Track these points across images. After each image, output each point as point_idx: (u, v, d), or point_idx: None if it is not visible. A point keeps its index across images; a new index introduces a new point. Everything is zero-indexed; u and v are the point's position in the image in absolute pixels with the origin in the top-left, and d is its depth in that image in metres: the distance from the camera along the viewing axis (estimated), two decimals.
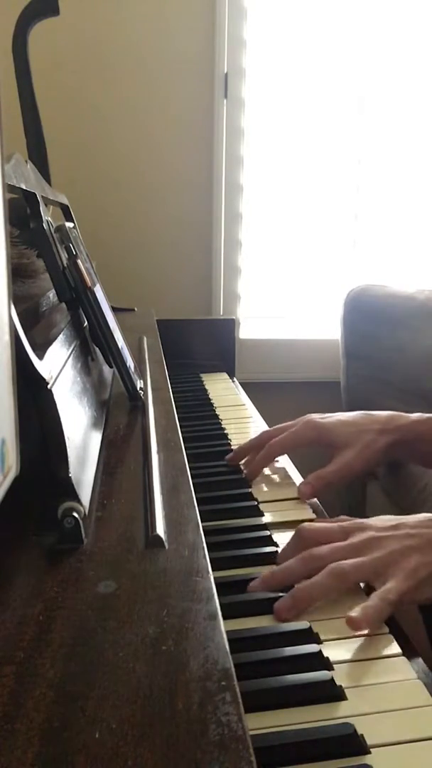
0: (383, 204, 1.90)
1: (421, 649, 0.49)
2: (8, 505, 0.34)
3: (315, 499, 0.75)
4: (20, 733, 0.28)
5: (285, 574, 0.55)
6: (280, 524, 0.68)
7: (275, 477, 0.82)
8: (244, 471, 0.81)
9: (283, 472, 0.83)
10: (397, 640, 0.49)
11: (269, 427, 1.01)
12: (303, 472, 0.82)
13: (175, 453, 0.61)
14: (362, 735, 0.39)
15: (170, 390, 0.84)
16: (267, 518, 0.69)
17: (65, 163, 1.54)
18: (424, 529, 0.56)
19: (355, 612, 0.49)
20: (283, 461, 0.85)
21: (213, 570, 0.41)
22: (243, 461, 0.83)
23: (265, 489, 0.78)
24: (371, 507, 1.79)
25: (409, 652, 0.49)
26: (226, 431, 0.97)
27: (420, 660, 0.47)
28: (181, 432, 0.67)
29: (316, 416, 0.82)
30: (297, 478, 0.81)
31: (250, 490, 0.76)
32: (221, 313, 1.87)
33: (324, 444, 0.80)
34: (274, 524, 0.67)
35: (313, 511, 0.72)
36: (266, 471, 0.82)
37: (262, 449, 0.81)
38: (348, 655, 0.47)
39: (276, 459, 0.83)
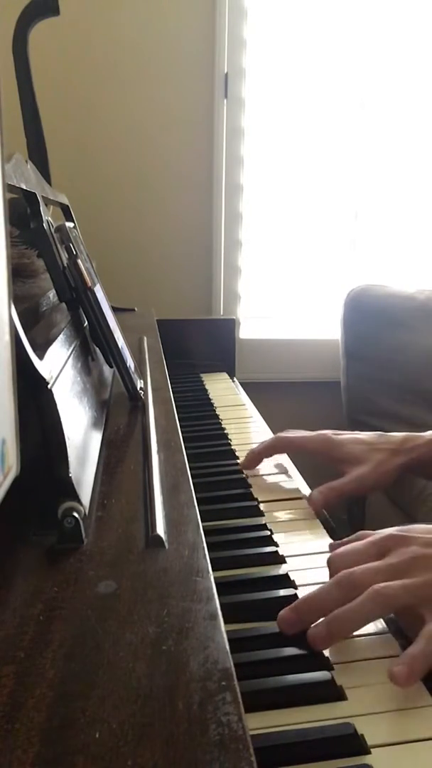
0: (383, 204, 1.90)
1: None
2: (8, 505, 0.34)
3: None
4: (20, 733, 0.28)
5: (319, 600, 0.48)
6: (280, 523, 0.68)
7: (275, 477, 0.82)
8: (242, 461, 0.82)
9: (283, 473, 0.83)
10: (384, 619, 0.49)
11: (269, 427, 1.01)
12: (305, 476, 0.82)
13: (175, 453, 0.61)
14: (362, 735, 0.39)
15: (170, 390, 0.84)
16: (267, 518, 0.69)
17: (65, 163, 1.54)
18: None
19: (399, 664, 0.43)
20: (285, 462, 0.85)
21: (213, 570, 0.41)
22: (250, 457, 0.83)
23: (265, 489, 0.78)
24: (371, 507, 1.79)
25: (394, 629, 0.49)
26: (226, 431, 0.97)
27: None
28: (181, 432, 0.67)
29: (331, 433, 0.81)
30: (297, 478, 0.81)
31: (250, 490, 0.76)
32: (221, 313, 1.87)
33: (334, 458, 0.78)
34: (274, 524, 0.67)
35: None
36: (267, 471, 0.82)
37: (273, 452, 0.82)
38: (348, 655, 0.47)
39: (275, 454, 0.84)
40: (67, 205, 1.03)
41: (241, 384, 1.35)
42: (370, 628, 0.50)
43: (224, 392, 1.23)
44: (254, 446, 0.84)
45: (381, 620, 0.51)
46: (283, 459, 0.86)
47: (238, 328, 1.79)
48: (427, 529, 0.52)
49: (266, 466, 0.83)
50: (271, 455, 0.83)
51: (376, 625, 0.50)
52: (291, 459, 0.86)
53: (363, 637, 0.49)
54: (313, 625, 0.47)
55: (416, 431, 0.80)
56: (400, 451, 0.76)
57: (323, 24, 1.78)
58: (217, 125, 1.78)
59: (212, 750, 0.27)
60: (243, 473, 0.80)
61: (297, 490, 0.77)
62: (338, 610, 0.46)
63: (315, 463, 0.81)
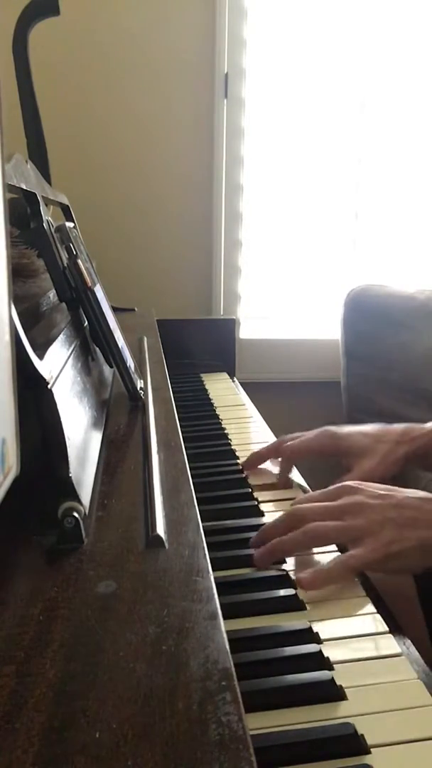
0: (383, 204, 1.90)
1: (421, 648, 0.49)
2: (8, 505, 0.34)
3: None
4: (20, 733, 0.28)
5: (270, 529, 0.60)
6: None
7: (275, 476, 0.82)
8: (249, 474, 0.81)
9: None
10: (384, 619, 0.51)
11: (269, 427, 1.01)
12: (304, 475, 0.82)
13: (175, 453, 0.61)
14: (362, 735, 0.39)
15: (170, 390, 0.84)
16: (267, 518, 0.69)
17: (65, 163, 1.54)
18: (410, 508, 0.57)
19: (305, 573, 0.55)
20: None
21: (213, 570, 0.41)
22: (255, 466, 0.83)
23: (266, 489, 0.78)
24: None
25: (394, 628, 0.51)
26: (226, 431, 0.97)
27: (420, 660, 0.47)
28: (181, 432, 0.67)
29: (333, 427, 0.81)
30: (298, 478, 0.81)
31: (250, 490, 0.76)
32: (221, 313, 1.87)
33: (340, 453, 0.79)
34: None
35: None
36: (267, 472, 0.82)
37: (276, 455, 0.81)
38: (348, 655, 0.47)
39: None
40: (67, 205, 1.03)
41: (241, 384, 1.35)
42: (370, 628, 0.50)
43: (224, 392, 1.23)
44: (256, 449, 0.84)
45: (382, 621, 0.51)
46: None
47: (238, 328, 1.79)
48: (382, 486, 0.60)
49: (267, 465, 0.83)
50: (274, 458, 0.82)
51: (377, 626, 0.50)
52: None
53: (363, 637, 0.49)
54: (258, 550, 0.58)
55: None
56: (403, 441, 0.77)
57: (323, 24, 1.78)
58: (217, 125, 1.78)
59: (212, 750, 0.27)
60: (243, 473, 0.80)
61: (298, 490, 0.77)
62: (279, 538, 0.57)
63: (318, 462, 0.80)
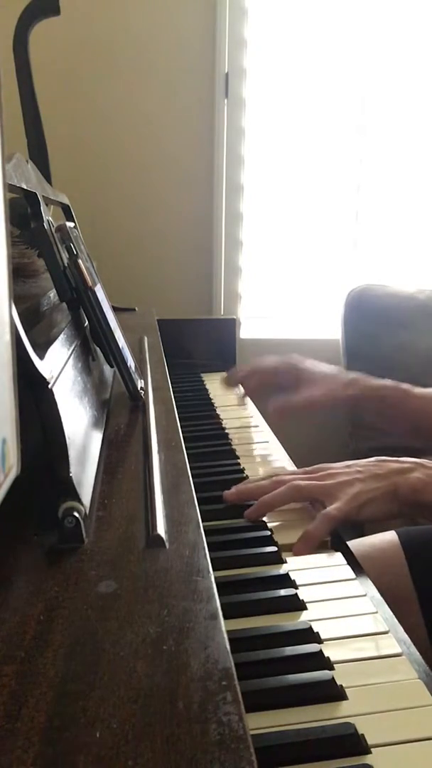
0: (384, 204, 1.90)
1: (421, 649, 0.49)
2: (9, 505, 0.34)
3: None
4: (21, 733, 0.28)
5: (256, 489, 0.69)
6: (281, 523, 0.68)
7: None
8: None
9: (282, 471, 0.83)
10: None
11: (269, 426, 1.01)
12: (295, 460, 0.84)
13: (175, 453, 0.61)
14: (362, 735, 0.39)
15: (171, 389, 0.84)
16: (267, 518, 0.69)
17: (65, 163, 1.54)
18: (370, 467, 0.69)
19: (300, 540, 0.62)
20: (286, 464, 0.85)
21: (213, 570, 0.41)
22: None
23: None
24: None
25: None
26: (226, 431, 0.96)
27: (420, 660, 0.47)
28: (182, 432, 0.67)
29: (297, 356, 0.98)
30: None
31: None
32: (222, 313, 1.87)
33: (299, 379, 0.94)
34: (275, 524, 0.67)
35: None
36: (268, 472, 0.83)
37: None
38: (348, 655, 0.47)
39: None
40: (68, 205, 1.03)
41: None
42: (371, 628, 0.50)
43: (224, 392, 1.23)
44: (257, 448, 0.90)
45: (382, 621, 0.51)
46: (285, 461, 0.86)
47: (239, 328, 1.79)
48: (341, 463, 0.72)
49: (268, 468, 0.83)
50: (247, 380, 1.01)
51: (377, 626, 0.50)
52: (290, 455, 0.87)
53: (363, 637, 0.49)
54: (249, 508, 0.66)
55: None
56: (350, 385, 0.91)
57: (323, 23, 1.78)
58: (217, 125, 1.78)
59: (213, 750, 0.27)
60: (243, 473, 0.80)
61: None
62: (266, 495, 0.66)
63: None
